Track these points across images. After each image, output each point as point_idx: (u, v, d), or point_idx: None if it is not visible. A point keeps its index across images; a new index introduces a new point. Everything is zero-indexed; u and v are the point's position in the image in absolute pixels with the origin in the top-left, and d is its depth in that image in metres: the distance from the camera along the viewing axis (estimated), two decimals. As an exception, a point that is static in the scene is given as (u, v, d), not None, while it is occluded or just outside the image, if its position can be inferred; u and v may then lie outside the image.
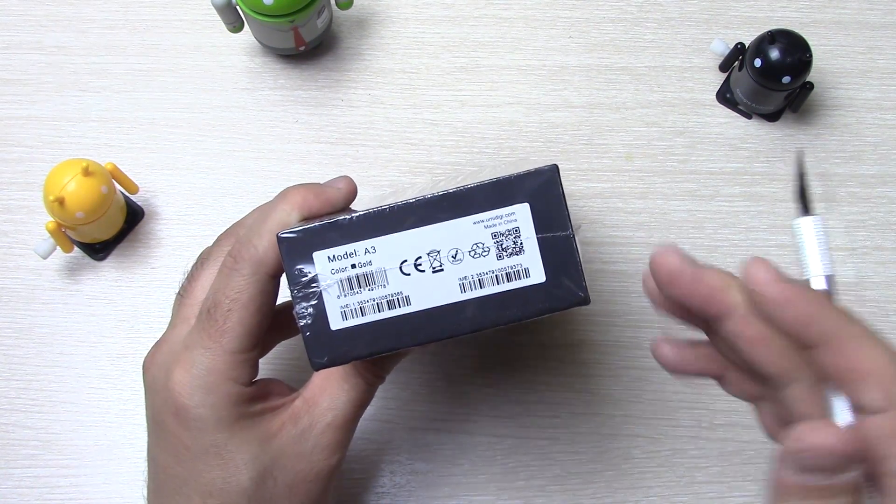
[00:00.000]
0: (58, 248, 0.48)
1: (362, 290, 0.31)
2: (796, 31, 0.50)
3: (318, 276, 0.31)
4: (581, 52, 0.55)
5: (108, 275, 0.50)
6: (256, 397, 0.36)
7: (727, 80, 0.54)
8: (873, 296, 0.50)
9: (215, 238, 0.39)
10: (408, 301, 0.31)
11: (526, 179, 0.31)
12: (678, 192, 0.52)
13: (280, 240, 0.31)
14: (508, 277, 0.31)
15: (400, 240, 0.31)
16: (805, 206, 0.30)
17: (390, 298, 0.31)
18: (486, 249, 0.31)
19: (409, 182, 0.53)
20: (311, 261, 0.31)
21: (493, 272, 0.31)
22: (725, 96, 0.54)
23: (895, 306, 0.50)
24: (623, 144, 0.53)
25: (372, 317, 0.31)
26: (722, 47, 0.53)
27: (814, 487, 0.26)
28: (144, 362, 0.37)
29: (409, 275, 0.31)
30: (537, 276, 0.30)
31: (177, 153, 0.53)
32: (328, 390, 0.36)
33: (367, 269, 0.31)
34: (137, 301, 0.50)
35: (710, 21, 0.56)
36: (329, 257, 0.31)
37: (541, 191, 0.31)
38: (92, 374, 0.48)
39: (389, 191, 0.48)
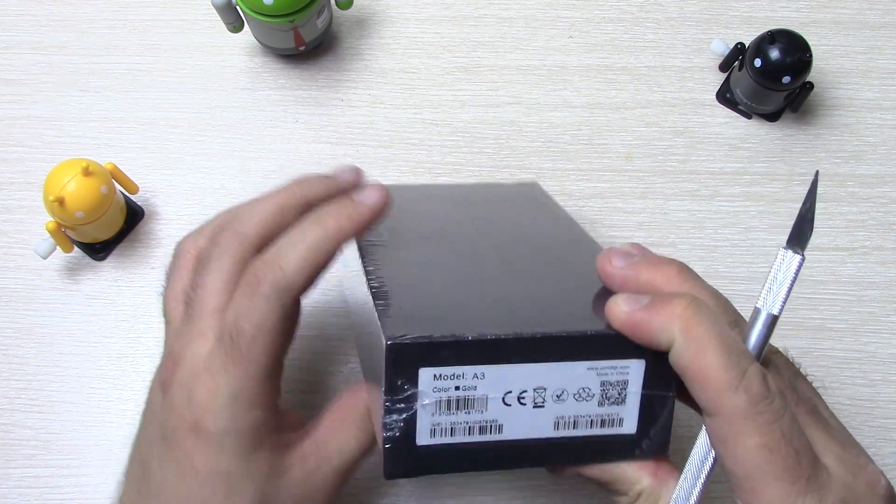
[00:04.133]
0: (58, 248, 0.48)
1: (459, 412, 0.29)
2: (796, 31, 0.50)
3: (420, 394, 0.28)
4: (581, 52, 0.55)
5: (108, 275, 0.50)
6: (275, 429, 0.34)
7: (727, 80, 0.54)
8: (873, 296, 0.50)
9: (199, 228, 0.37)
10: (500, 430, 0.29)
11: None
12: (678, 192, 0.52)
13: (389, 348, 0.28)
14: (602, 423, 0.30)
15: (511, 371, 0.29)
16: (801, 242, 0.30)
17: (483, 424, 0.29)
18: (591, 395, 0.30)
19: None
20: (415, 375, 0.28)
21: (589, 416, 0.30)
22: (725, 96, 0.54)
23: (895, 306, 0.50)
24: (623, 144, 0.53)
25: (460, 438, 0.29)
26: (722, 47, 0.53)
27: None
28: (161, 377, 0.35)
29: (509, 405, 0.29)
30: (629, 427, 0.30)
31: (177, 153, 0.53)
32: (339, 435, 0.35)
33: (471, 393, 0.29)
34: (137, 301, 0.50)
35: (710, 21, 0.56)
36: (435, 375, 0.29)
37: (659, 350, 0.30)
38: (92, 374, 0.48)
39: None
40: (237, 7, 0.50)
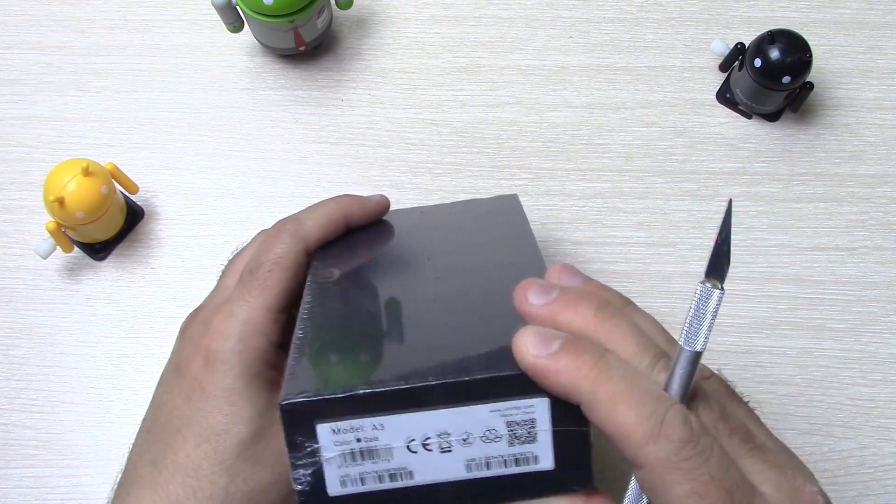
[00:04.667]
0: (58, 248, 0.48)
1: (365, 462, 0.29)
2: (796, 31, 0.50)
3: (321, 448, 0.29)
4: (581, 52, 0.55)
5: (108, 275, 0.50)
6: (275, 365, 0.37)
7: (727, 80, 0.54)
8: (873, 296, 0.50)
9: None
10: (411, 475, 0.30)
11: None
12: (678, 192, 0.52)
13: (283, 409, 0.29)
14: (517, 462, 0.30)
15: (410, 420, 0.29)
16: (719, 275, 0.28)
17: (392, 472, 0.29)
18: (499, 437, 0.29)
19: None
20: (313, 432, 0.29)
21: (501, 457, 0.30)
22: (725, 96, 0.54)
23: (895, 306, 0.50)
24: (623, 144, 0.53)
25: (372, 486, 0.29)
26: (722, 47, 0.53)
27: None
28: (185, 321, 0.39)
29: (415, 453, 0.29)
30: (546, 463, 0.30)
31: (177, 153, 0.53)
32: None
33: (373, 444, 0.29)
34: (137, 301, 0.50)
35: (710, 21, 0.56)
36: (333, 429, 0.29)
37: None
38: (92, 374, 0.48)
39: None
40: (237, 7, 0.50)
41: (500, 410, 0.29)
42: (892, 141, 0.54)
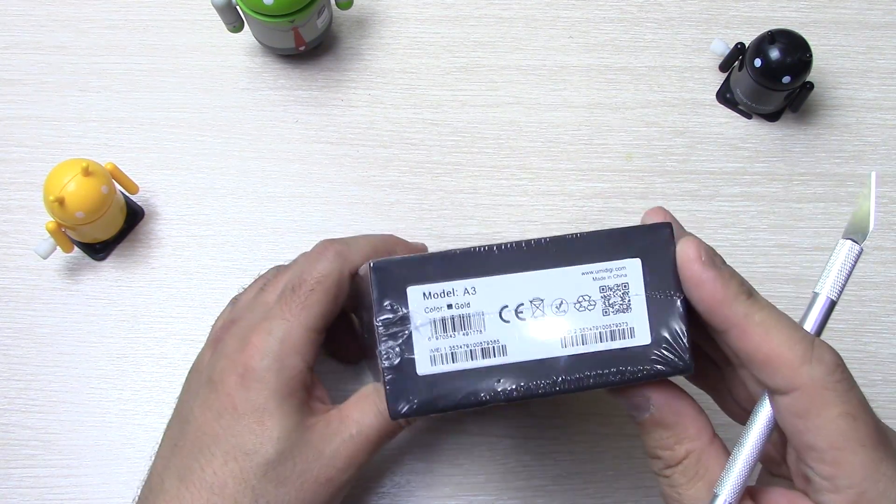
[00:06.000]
0: (58, 248, 0.48)
1: (456, 333, 0.28)
2: (796, 31, 0.50)
3: (411, 315, 0.28)
4: (581, 52, 0.55)
5: (108, 275, 0.50)
6: (308, 386, 0.38)
7: (727, 80, 0.54)
8: (873, 296, 0.50)
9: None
10: (503, 351, 0.28)
11: (639, 234, 0.29)
12: (678, 192, 0.52)
13: (373, 268, 0.28)
14: (612, 336, 0.28)
15: (503, 283, 0.28)
16: (862, 233, 0.31)
17: (485, 346, 0.28)
18: (593, 303, 0.28)
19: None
20: (404, 296, 0.28)
21: (597, 328, 0.28)
22: (725, 96, 0.54)
23: (895, 306, 0.50)
24: (623, 144, 0.53)
25: (463, 364, 0.28)
26: (722, 47, 0.53)
27: (638, 423, 0.31)
28: (213, 338, 0.40)
29: (508, 322, 0.28)
30: (642, 337, 0.28)
31: (177, 153, 0.53)
32: (361, 407, 0.38)
33: (465, 311, 0.28)
34: (137, 301, 0.50)
35: (710, 21, 0.56)
36: (425, 294, 0.28)
37: (653, 248, 0.29)
38: (92, 374, 0.48)
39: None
40: (237, 7, 0.50)
41: (592, 273, 0.29)
42: (892, 141, 0.54)
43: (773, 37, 0.49)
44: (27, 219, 0.51)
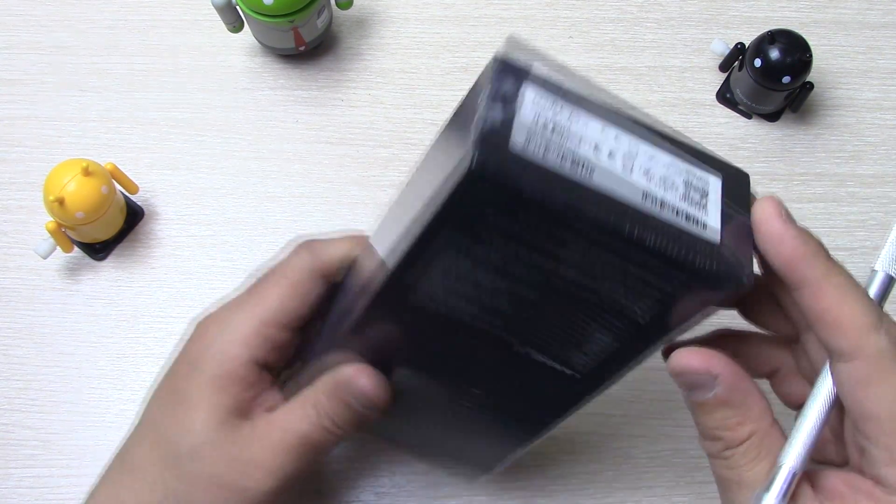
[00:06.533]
0: (58, 248, 0.48)
1: (554, 135, 0.27)
2: (796, 31, 0.50)
3: (519, 101, 0.27)
4: (581, 52, 0.55)
5: (108, 275, 0.50)
6: (251, 383, 0.35)
7: (727, 80, 0.54)
8: (873, 296, 0.50)
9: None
10: (591, 173, 0.27)
11: (725, 165, 0.30)
12: (678, 192, 0.52)
13: (496, 58, 0.27)
14: (687, 218, 0.28)
15: (603, 129, 0.28)
16: None
17: (576, 157, 0.27)
18: (676, 187, 0.28)
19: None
20: (517, 88, 0.27)
21: (674, 206, 0.28)
22: (725, 96, 0.54)
23: (895, 306, 0.50)
24: (623, 144, 0.53)
25: (553, 162, 0.26)
26: (722, 47, 0.53)
27: (698, 403, 0.30)
28: (196, 323, 0.38)
29: (600, 153, 0.27)
30: (712, 234, 0.28)
31: (177, 153, 0.53)
32: (290, 411, 0.35)
33: (566, 125, 0.27)
34: (137, 301, 0.50)
35: (710, 21, 0.56)
36: (536, 96, 0.27)
37: (734, 180, 0.30)
38: (92, 374, 0.48)
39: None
40: (237, 7, 0.50)
41: (678, 166, 0.29)
42: (892, 141, 0.54)
43: (773, 37, 0.49)
44: (27, 219, 0.51)
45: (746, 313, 0.33)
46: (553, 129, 0.27)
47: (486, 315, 0.31)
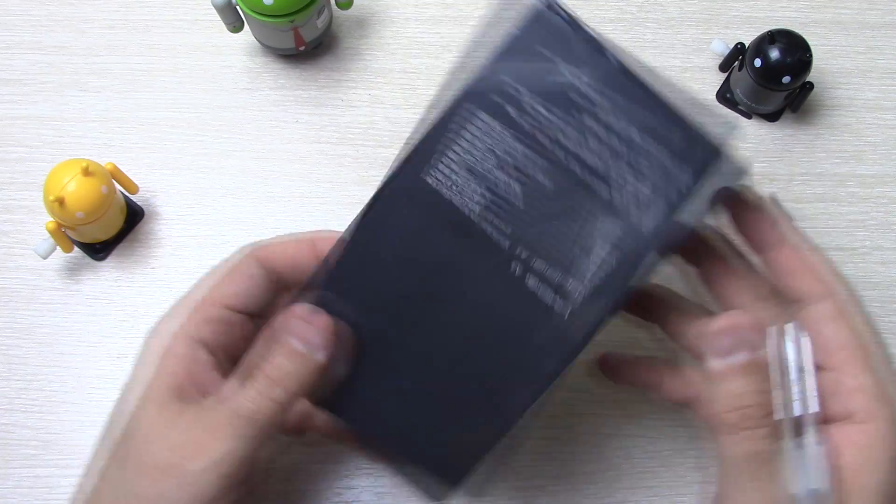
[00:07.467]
0: (58, 248, 0.48)
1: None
2: (796, 31, 0.50)
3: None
4: (581, 52, 0.55)
5: (108, 275, 0.50)
6: (200, 369, 0.34)
7: (727, 80, 0.54)
8: (873, 296, 0.50)
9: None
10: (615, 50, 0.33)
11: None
12: (678, 192, 0.52)
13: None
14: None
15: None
16: None
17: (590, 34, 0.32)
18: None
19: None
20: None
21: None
22: (725, 96, 0.54)
23: (895, 306, 0.50)
24: (623, 144, 0.53)
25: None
26: (722, 47, 0.53)
27: (738, 366, 0.31)
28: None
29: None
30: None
31: (177, 153, 0.53)
32: (231, 388, 0.33)
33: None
34: (137, 301, 0.50)
35: (710, 21, 0.56)
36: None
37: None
38: (92, 374, 0.48)
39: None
40: (237, 7, 0.50)
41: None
42: (892, 141, 0.54)
43: (773, 37, 0.49)
44: (27, 219, 0.51)
45: (706, 280, 0.36)
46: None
47: (498, 207, 0.32)
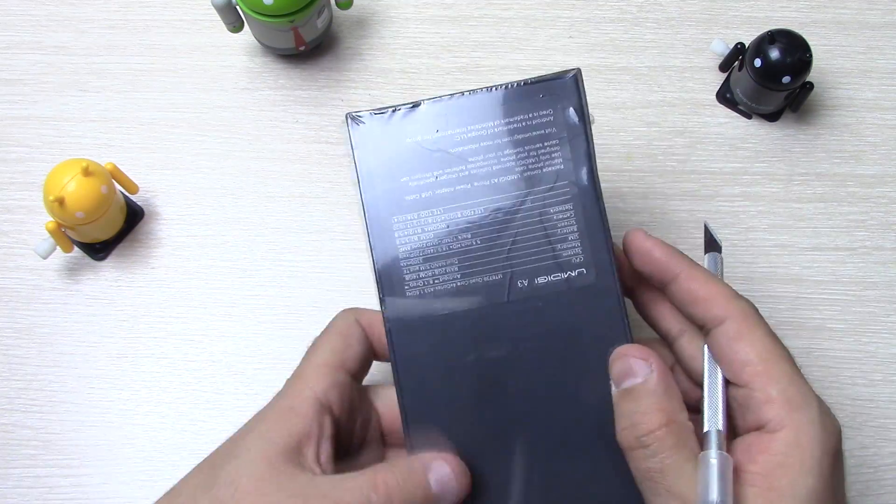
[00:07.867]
0: (58, 248, 0.48)
1: None
2: (796, 31, 0.50)
3: None
4: (581, 52, 0.55)
5: (108, 275, 0.50)
6: (318, 434, 0.34)
7: (727, 80, 0.54)
8: (873, 296, 0.50)
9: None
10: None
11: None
12: (678, 192, 0.52)
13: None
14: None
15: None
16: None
17: None
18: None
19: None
20: None
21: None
22: (725, 96, 0.54)
23: (895, 306, 0.50)
24: (623, 144, 0.53)
25: None
26: (722, 47, 0.53)
27: (628, 390, 0.34)
28: None
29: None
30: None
31: (177, 153, 0.53)
32: (353, 480, 0.33)
33: None
34: (137, 301, 0.50)
35: (710, 21, 0.56)
36: None
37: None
38: (92, 374, 0.48)
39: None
40: (237, 7, 0.50)
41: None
42: (892, 141, 0.54)
43: (773, 37, 0.49)
44: (27, 219, 0.51)
45: (639, 308, 0.39)
46: None
47: (472, 261, 0.37)
